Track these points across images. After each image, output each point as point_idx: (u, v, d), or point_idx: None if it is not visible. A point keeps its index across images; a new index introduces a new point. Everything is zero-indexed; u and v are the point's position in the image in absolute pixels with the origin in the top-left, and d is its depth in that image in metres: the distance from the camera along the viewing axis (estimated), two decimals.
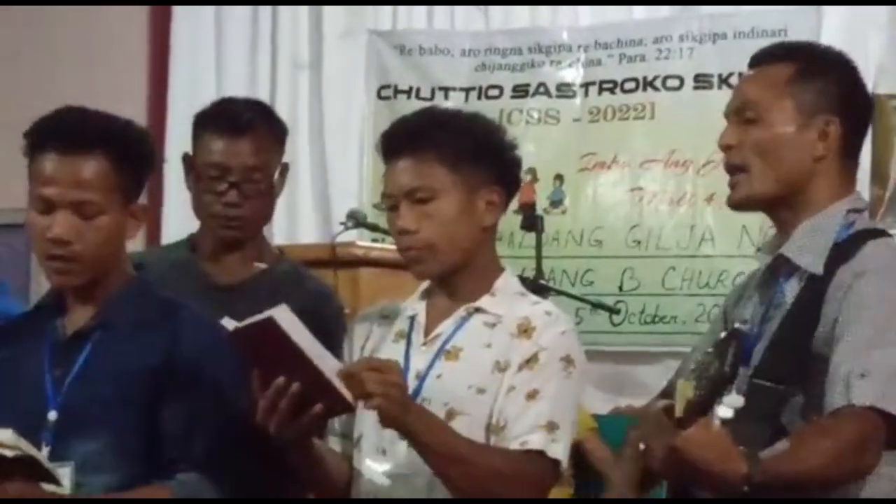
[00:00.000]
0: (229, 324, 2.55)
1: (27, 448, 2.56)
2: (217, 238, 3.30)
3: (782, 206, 2.66)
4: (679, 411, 2.50)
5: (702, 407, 2.43)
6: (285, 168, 3.36)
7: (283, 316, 2.51)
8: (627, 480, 2.60)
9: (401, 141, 2.73)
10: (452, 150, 2.70)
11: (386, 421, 2.56)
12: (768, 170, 2.62)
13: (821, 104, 2.63)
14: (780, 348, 2.53)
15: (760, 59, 2.72)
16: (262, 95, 6.73)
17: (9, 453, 2.53)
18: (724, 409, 2.37)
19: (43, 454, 2.65)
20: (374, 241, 5.02)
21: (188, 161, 3.33)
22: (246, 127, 3.25)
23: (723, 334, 2.67)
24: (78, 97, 2.89)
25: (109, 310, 2.79)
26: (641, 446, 2.48)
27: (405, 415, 2.52)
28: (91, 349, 2.78)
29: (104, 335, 2.78)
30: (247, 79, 6.83)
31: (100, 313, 2.80)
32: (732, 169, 2.66)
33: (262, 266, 3.32)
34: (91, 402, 2.73)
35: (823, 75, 2.65)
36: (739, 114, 2.66)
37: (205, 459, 2.71)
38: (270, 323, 2.51)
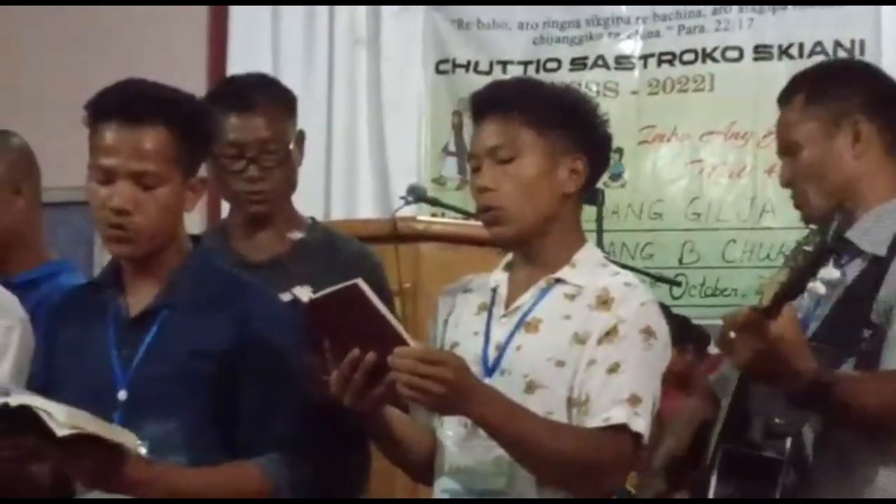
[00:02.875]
0: (303, 293, 2.55)
1: (86, 424, 2.50)
2: (246, 215, 3.32)
3: (840, 204, 2.78)
4: (767, 300, 2.52)
5: (793, 288, 2.48)
6: (301, 136, 3.38)
7: (365, 285, 2.52)
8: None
9: (489, 101, 2.74)
10: (539, 112, 2.70)
11: (439, 412, 2.59)
12: (822, 188, 2.80)
13: (843, 110, 2.77)
14: (840, 316, 2.62)
15: (780, 102, 2.89)
16: (320, 73, 6.75)
17: (62, 432, 2.46)
18: (820, 285, 2.49)
19: (113, 426, 2.63)
20: (434, 215, 5.03)
21: None
22: (255, 100, 3.28)
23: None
24: (136, 74, 2.90)
25: (173, 288, 2.78)
26: (732, 335, 2.51)
27: (465, 405, 2.51)
28: (158, 329, 2.76)
29: (170, 314, 2.77)
30: (303, 57, 6.82)
31: (164, 292, 2.79)
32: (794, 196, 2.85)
33: (298, 236, 3.33)
34: (160, 383, 2.71)
35: (836, 86, 2.81)
36: (787, 153, 2.84)
37: (283, 440, 2.71)
38: (355, 290, 2.50)
